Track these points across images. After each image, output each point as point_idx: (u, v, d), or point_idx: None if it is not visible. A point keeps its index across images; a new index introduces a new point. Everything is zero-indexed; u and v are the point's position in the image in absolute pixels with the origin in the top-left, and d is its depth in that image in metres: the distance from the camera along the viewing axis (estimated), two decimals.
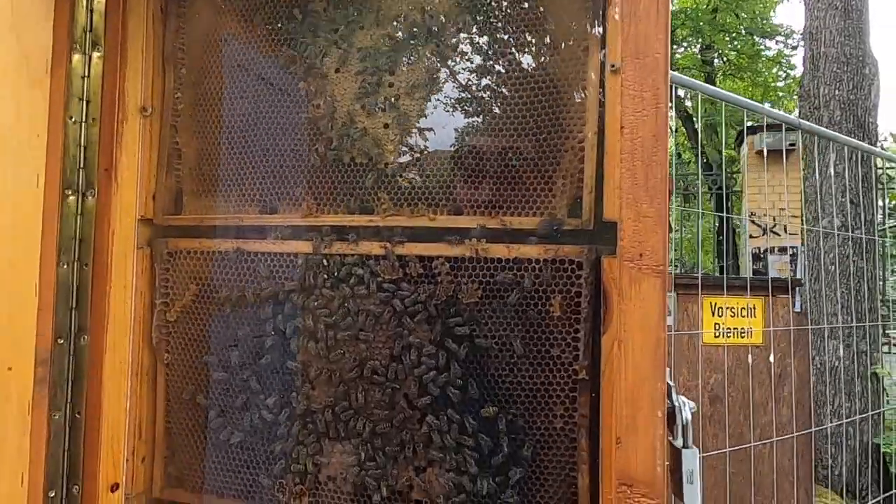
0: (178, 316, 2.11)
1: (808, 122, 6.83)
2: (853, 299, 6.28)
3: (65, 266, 1.95)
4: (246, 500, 2.06)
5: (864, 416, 5.86)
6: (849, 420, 5.66)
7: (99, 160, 1.99)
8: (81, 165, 1.97)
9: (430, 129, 1.89)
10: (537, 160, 1.84)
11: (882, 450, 5.95)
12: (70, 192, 1.97)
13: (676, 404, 1.59)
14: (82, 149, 1.98)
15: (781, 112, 6.92)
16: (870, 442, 6.06)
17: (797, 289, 4.85)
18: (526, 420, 1.78)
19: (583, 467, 1.71)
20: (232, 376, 2.05)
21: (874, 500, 5.51)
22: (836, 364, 6.55)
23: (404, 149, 1.93)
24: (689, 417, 1.63)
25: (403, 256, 1.89)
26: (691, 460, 1.55)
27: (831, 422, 6.02)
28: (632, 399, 1.53)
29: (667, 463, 1.56)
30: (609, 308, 1.62)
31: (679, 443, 1.61)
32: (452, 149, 1.90)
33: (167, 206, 2.15)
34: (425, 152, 1.90)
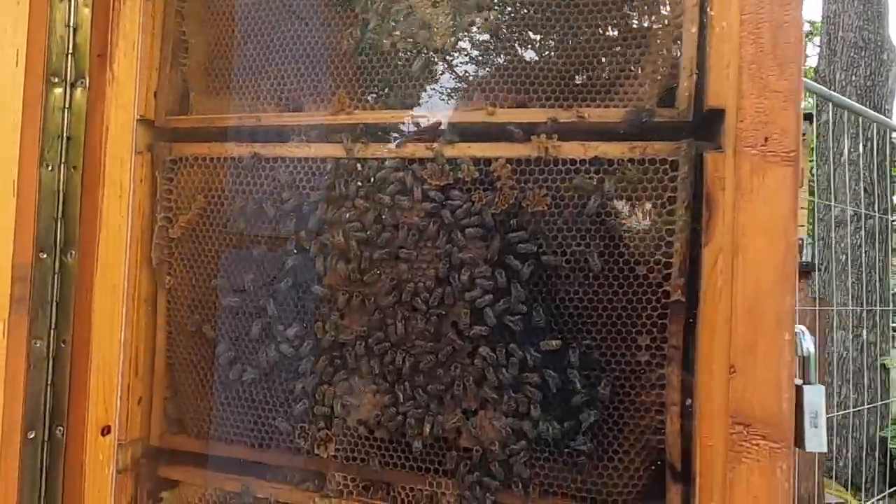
0: (182, 233, 1.80)
1: (838, 95, 6.53)
2: (864, 289, 6.00)
3: (49, 168, 1.63)
4: (261, 449, 1.76)
5: (871, 406, 5.59)
6: (855, 410, 5.39)
7: (91, 45, 1.67)
8: (70, 50, 1.65)
9: (488, 7, 1.57)
10: (622, 38, 1.53)
11: (889, 444, 5.70)
12: (56, 81, 1.64)
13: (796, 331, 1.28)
14: (71, 30, 1.65)
15: (812, 82, 6.57)
16: (876, 434, 5.80)
17: (811, 274, 4.52)
18: (602, 353, 1.48)
19: (672, 409, 1.41)
20: (245, 303, 1.74)
21: (880, 494, 5.24)
22: (844, 354, 6.27)
23: (457, 30, 1.61)
24: (812, 349, 1.33)
25: (455, 159, 1.58)
26: (816, 399, 1.25)
27: (837, 412, 5.73)
28: (751, 318, 1.22)
29: None
30: (712, 215, 1.31)
31: (799, 380, 1.31)
32: (516, 29, 1.58)
33: (171, 106, 1.83)
34: (483, 34, 1.58)
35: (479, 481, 1.56)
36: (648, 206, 1.45)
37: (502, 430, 1.53)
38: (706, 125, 1.42)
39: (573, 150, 1.50)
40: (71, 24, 1.71)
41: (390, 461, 1.63)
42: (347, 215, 1.65)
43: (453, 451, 1.59)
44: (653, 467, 1.49)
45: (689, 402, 1.41)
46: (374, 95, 1.68)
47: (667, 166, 1.45)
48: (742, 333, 1.25)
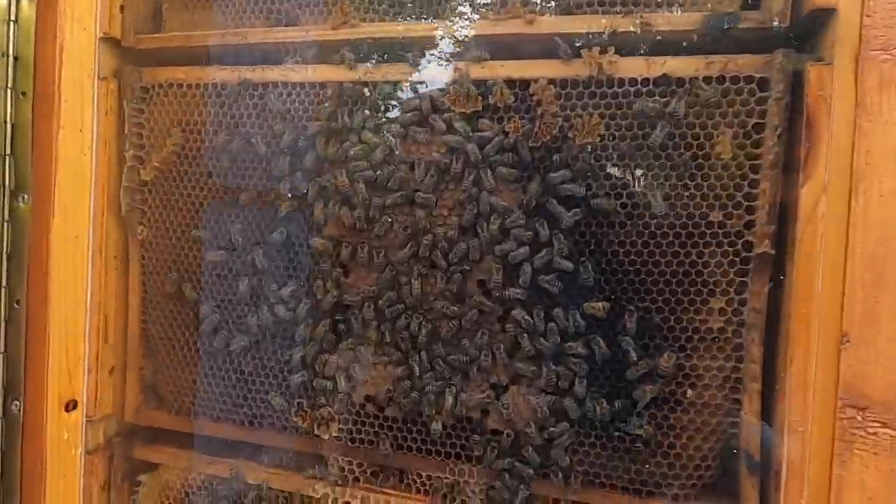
0: (156, 175, 1.52)
1: None
2: None
3: None
4: (252, 428, 1.51)
5: None
6: None
7: None
8: None
9: None
10: None
11: None
12: None
13: None
14: None
15: None
16: None
17: None
18: (665, 318, 1.21)
19: (752, 385, 1.14)
20: (233, 258, 1.47)
21: None
22: None
23: None
24: None
25: (484, 81, 1.29)
26: None
27: None
28: (873, 275, 0.94)
29: None
30: (814, 145, 1.02)
31: None
32: None
33: (141, 23, 1.53)
34: None
35: (511, 468, 1.31)
36: (728, 135, 1.16)
37: (539, 410, 1.27)
38: (807, 31, 1.12)
39: (634, 66, 1.21)
40: None
41: (404, 444, 1.38)
42: (352, 151, 1.37)
43: (479, 433, 1.34)
44: (723, 456, 1.23)
45: (773, 378, 1.14)
46: (385, 4, 1.38)
47: (753, 85, 1.15)
48: (859, 295, 0.97)
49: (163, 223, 1.53)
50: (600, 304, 1.24)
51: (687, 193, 1.20)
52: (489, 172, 1.29)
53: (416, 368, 1.35)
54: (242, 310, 1.48)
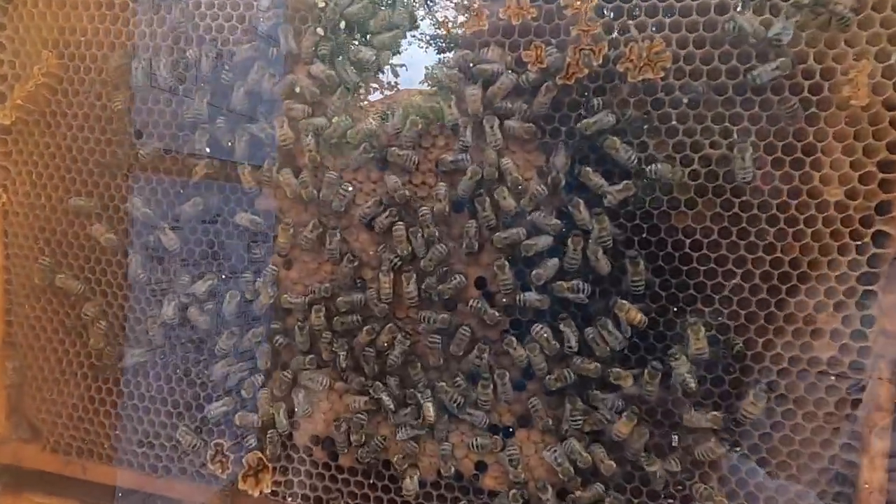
0: (20, 117, 1.07)
1: None
2: None
3: None
4: (153, 475, 1.09)
5: None
6: None
7: None
8: None
9: None
10: None
11: None
12: None
13: None
14: None
15: None
16: None
17: None
18: (751, 341, 0.82)
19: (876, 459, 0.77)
20: (129, 238, 1.04)
21: None
22: None
23: None
24: None
25: None
26: None
27: None
28: None
29: None
30: None
31: None
32: None
33: None
34: None
35: None
36: (865, 72, 0.77)
37: (560, 467, 0.88)
38: None
39: None
40: None
41: None
42: (298, 89, 0.94)
43: (472, 495, 0.94)
44: None
45: None
46: None
47: None
48: None
49: (31, 187, 1.09)
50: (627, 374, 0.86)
51: (791, 158, 0.81)
52: (495, 124, 0.88)
53: (386, 400, 0.94)
54: (141, 311, 1.05)
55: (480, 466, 0.97)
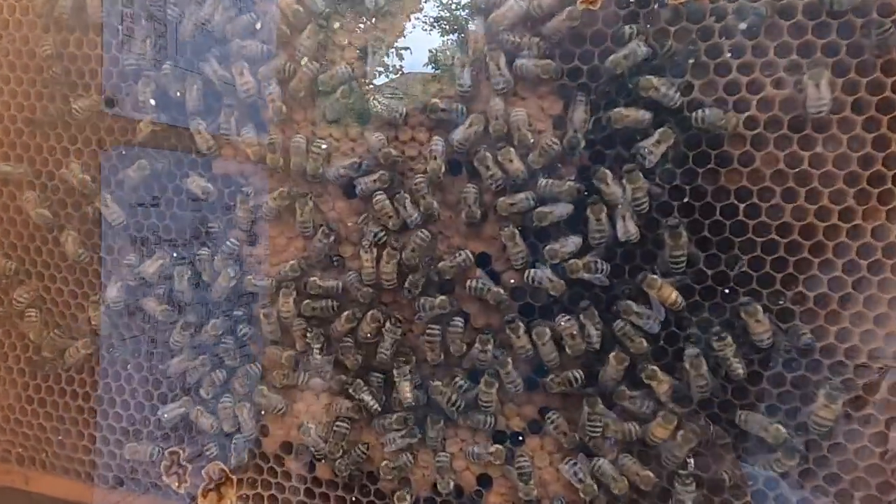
0: None
1: None
2: None
3: None
4: (99, 487, 0.94)
5: None
6: None
7: None
8: None
9: None
10: None
11: None
12: None
13: None
14: None
15: None
16: None
17: None
18: (821, 330, 0.65)
19: None
20: (64, 209, 0.88)
21: None
22: None
23: None
24: None
25: None
26: None
27: None
28: None
29: None
30: None
31: None
32: None
33: None
34: None
35: None
36: None
37: (581, 483, 0.72)
38: None
39: None
40: None
41: None
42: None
43: None
44: None
45: None
46: None
47: None
48: None
49: None
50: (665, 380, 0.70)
51: (878, 99, 0.63)
52: (502, 61, 0.70)
53: (369, 402, 0.78)
54: (83, 295, 0.89)
55: (484, 481, 0.82)
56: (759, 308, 0.70)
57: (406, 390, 0.79)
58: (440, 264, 0.79)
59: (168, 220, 0.90)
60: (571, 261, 0.73)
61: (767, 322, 0.68)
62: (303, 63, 0.80)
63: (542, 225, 0.73)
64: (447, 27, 0.90)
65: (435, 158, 0.78)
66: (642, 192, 0.69)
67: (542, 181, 0.75)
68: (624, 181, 0.70)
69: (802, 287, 0.70)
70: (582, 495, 0.76)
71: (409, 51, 0.91)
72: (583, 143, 0.73)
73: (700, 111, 0.68)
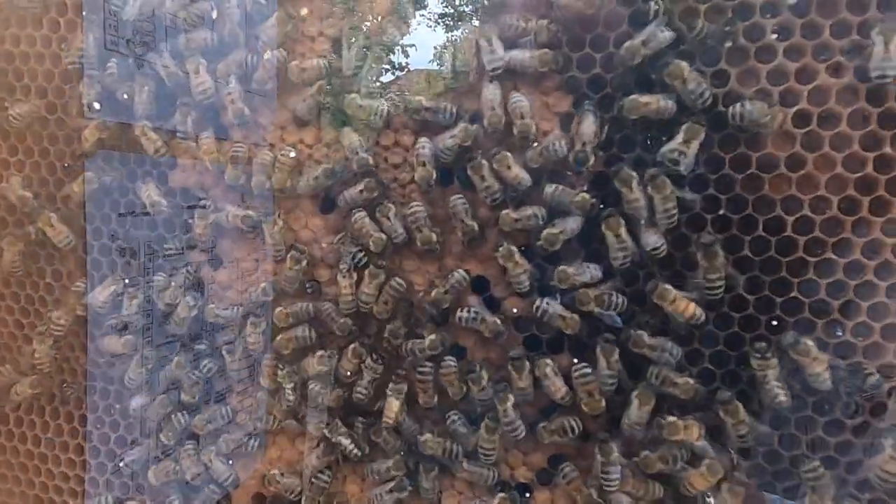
0: None
1: None
2: None
3: None
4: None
5: None
6: None
7: None
8: None
9: None
10: None
11: None
12: None
13: None
14: None
15: None
16: None
17: None
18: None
19: None
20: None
21: None
22: None
23: None
24: None
25: None
26: None
27: None
28: None
29: None
30: None
31: None
32: None
33: None
34: None
35: None
36: None
37: None
38: None
39: None
40: None
41: None
42: None
43: None
44: None
45: None
46: None
47: None
48: None
49: None
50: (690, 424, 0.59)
51: None
52: (494, 39, 0.60)
53: (347, 445, 0.67)
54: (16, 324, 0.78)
55: None
56: (812, 345, 0.58)
57: (392, 408, 0.68)
58: (433, 294, 0.68)
59: (122, 239, 0.79)
60: (582, 290, 0.62)
61: (825, 360, 0.57)
62: (266, 56, 0.69)
63: (552, 250, 0.62)
64: (451, 24, 0.84)
65: (423, 164, 0.66)
66: (672, 202, 0.58)
67: (550, 188, 0.64)
68: (649, 189, 0.59)
69: (867, 316, 0.59)
70: None
71: (413, 48, 0.83)
72: (592, 160, 0.61)
73: (738, 105, 0.56)
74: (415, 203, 0.67)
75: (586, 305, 0.61)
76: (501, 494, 0.69)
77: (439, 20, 0.86)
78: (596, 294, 0.61)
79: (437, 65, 0.74)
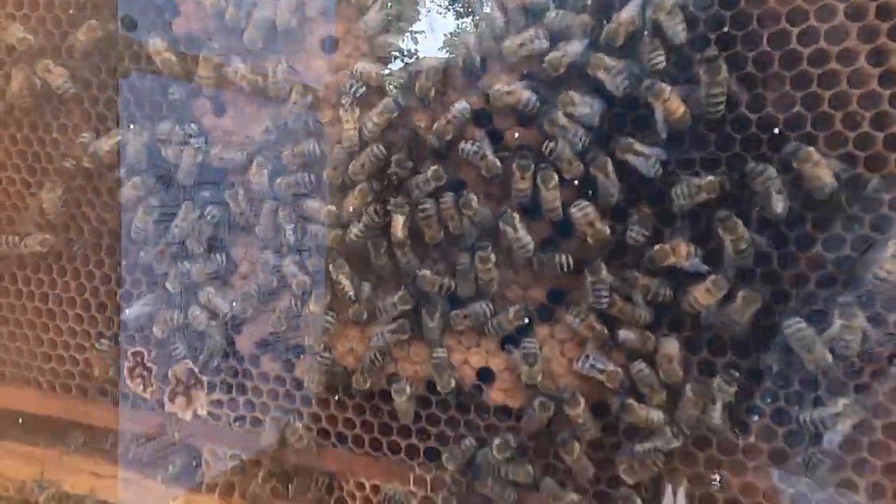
0: None
1: None
2: None
3: None
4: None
5: None
6: None
7: None
8: None
9: None
10: None
11: None
12: None
13: None
14: None
15: None
16: None
17: None
18: None
19: None
20: None
21: None
22: None
23: None
24: None
25: None
26: None
27: None
28: None
29: None
30: None
31: None
32: None
33: None
34: None
35: None
36: None
37: None
38: None
39: None
40: None
41: None
42: None
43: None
44: None
45: None
46: None
47: None
48: None
49: None
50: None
51: None
52: None
53: (346, 286, 0.68)
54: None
55: (484, 375, 0.71)
56: (812, 150, 0.57)
57: (398, 224, 0.68)
58: (435, 126, 0.68)
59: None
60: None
61: (826, 163, 0.56)
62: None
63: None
64: (462, 10, 0.87)
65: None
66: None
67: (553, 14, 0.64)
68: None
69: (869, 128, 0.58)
70: (609, 384, 0.65)
71: (424, 34, 0.89)
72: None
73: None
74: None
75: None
76: (516, 307, 0.69)
77: (450, 6, 0.88)
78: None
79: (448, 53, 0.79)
